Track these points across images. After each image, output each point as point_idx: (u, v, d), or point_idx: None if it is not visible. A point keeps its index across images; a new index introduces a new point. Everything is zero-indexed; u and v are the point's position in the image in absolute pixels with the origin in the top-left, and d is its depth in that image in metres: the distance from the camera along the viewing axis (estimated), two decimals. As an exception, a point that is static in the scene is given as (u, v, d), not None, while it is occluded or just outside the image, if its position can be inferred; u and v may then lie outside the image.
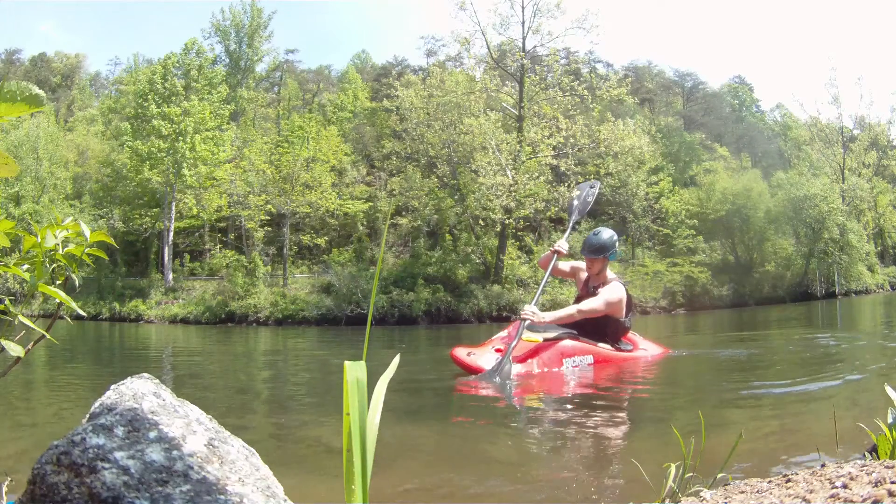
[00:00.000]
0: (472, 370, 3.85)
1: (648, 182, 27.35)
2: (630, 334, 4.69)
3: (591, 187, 5.13)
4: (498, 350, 4.01)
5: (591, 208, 5.24)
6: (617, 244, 4.41)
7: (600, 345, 4.23)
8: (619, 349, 4.35)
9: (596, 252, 4.32)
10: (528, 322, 4.02)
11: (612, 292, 4.22)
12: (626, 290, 4.35)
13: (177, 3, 60.98)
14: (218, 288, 21.55)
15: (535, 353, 3.95)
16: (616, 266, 24.73)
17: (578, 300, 4.46)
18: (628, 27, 73.09)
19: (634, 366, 4.26)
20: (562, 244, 4.58)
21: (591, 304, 4.15)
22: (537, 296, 4.46)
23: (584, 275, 4.56)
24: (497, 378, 3.62)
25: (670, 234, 27.00)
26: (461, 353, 4.03)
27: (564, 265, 4.77)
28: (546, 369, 3.90)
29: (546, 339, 4.04)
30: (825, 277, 27.10)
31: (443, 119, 22.03)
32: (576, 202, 5.04)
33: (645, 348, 4.62)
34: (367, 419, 0.75)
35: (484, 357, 3.94)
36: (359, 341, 9.08)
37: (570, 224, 5.03)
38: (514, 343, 3.86)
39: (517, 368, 3.83)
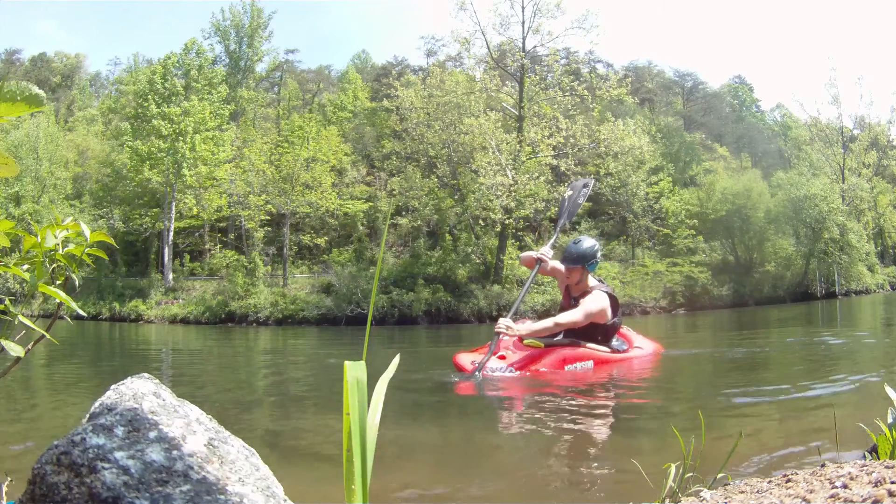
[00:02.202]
0: None
1: (648, 182, 27.35)
2: (624, 330, 4.63)
3: (585, 186, 4.97)
4: (501, 357, 3.98)
5: (592, 208, 5.19)
6: (598, 254, 4.29)
7: (599, 347, 4.19)
8: (614, 350, 4.30)
9: (574, 262, 4.21)
10: (501, 336, 3.97)
11: (592, 304, 4.11)
12: (611, 294, 4.24)
13: (177, 3, 61.11)
14: (218, 288, 21.56)
15: (537, 358, 3.92)
16: (616, 266, 24.82)
17: (561, 310, 4.41)
18: (628, 27, 73.16)
19: (633, 366, 4.25)
20: (546, 251, 4.47)
21: (570, 318, 4.05)
22: (514, 308, 4.35)
23: (564, 282, 4.47)
24: (473, 381, 3.62)
25: (670, 234, 27.00)
26: (465, 361, 3.99)
27: (545, 264, 4.72)
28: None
29: (548, 345, 4.01)
30: (825, 277, 27.09)
31: (443, 119, 22.03)
32: (566, 203, 4.95)
33: (640, 346, 4.58)
34: (367, 419, 0.75)
35: (487, 365, 3.92)
36: (359, 341, 9.08)
37: (558, 228, 4.91)
38: (488, 358, 3.82)
39: (517, 374, 3.83)
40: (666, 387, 3.76)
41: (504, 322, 4.00)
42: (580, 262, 4.21)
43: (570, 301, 4.32)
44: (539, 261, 4.46)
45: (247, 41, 31.89)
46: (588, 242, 4.31)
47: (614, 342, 4.38)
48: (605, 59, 39.25)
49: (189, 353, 8.10)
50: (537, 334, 4.06)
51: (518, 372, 3.83)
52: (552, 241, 4.72)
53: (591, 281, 4.33)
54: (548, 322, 4.09)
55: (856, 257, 27.93)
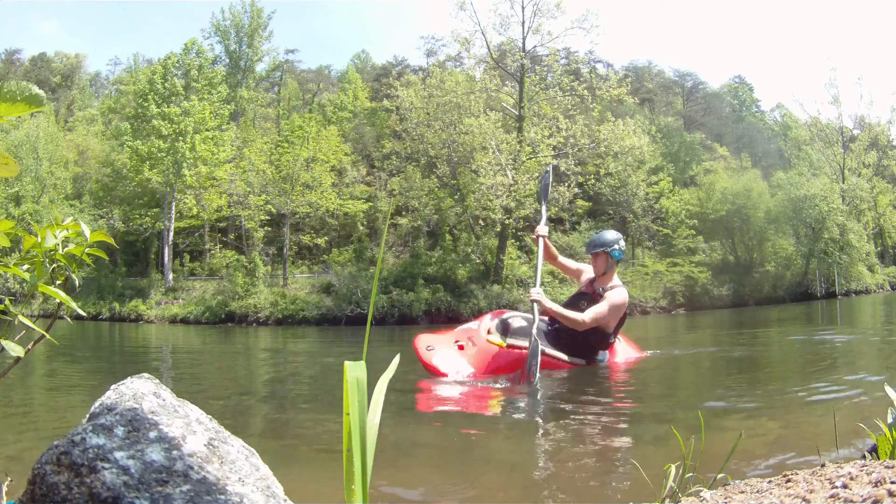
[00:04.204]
0: (424, 364, 3.82)
1: (648, 182, 27.36)
2: (617, 344, 4.51)
3: (547, 173, 5.01)
4: (460, 347, 3.93)
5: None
6: (620, 244, 4.30)
7: (559, 355, 4.03)
8: (591, 362, 4.18)
9: (595, 246, 4.27)
10: (537, 306, 3.92)
11: (617, 295, 4.12)
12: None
13: (177, 3, 61.06)
14: (218, 288, 21.57)
15: (495, 358, 3.82)
16: (616, 267, 24.79)
17: (579, 295, 4.35)
18: (628, 27, 73.16)
19: (594, 375, 4.08)
20: (541, 228, 4.46)
21: (598, 311, 4.00)
22: (538, 278, 4.28)
23: (588, 277, 4.44)
24: (530, 381, 3.53)
25: (670, 234, 27.01)
26: (421, 344, 3.96)
27: (571, 263, 4.67)
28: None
29: (510, 345, 3.88)
30: (825, 277, 27.09)
31: (443, 119, 22.04)
32: (541, 191, 4.97)
33: (617, 361, 4.42)
34: (367, 419, 0.75)
35: (441, 353, 3.87)
36: (359, 341, 9.08)
37: (543, 209, 4.88)
38: (534, 339, 3.73)
39: (469, 370, 3.78)
40: (666, 387, 3.76)
41: (537, 291, 3.98)
42: (601, 246, 4.24)
43: (596, 291, 4.26)
44: (539, 237, 4.44)
45: (247, 41, 31.90)
46: (611, 233, 4.39)
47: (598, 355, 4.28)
48: (605, 59, 39.32)
49: (189, 353, 8.10)
50: (564, 319, 3.98)
51: (472, 368, 3.78)
52: (543, 220, 4.64)
53: (617, 279, 4.33)
54: (577, 316, 3.97)
55: (856, 257, 27.94)
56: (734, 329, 10.03)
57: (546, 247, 4.45)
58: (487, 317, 4.27)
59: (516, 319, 4.07)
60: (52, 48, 64.51)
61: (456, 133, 21.68)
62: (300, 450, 2.29)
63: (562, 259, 4.62)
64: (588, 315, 4.00)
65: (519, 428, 2.68)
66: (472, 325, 4.20)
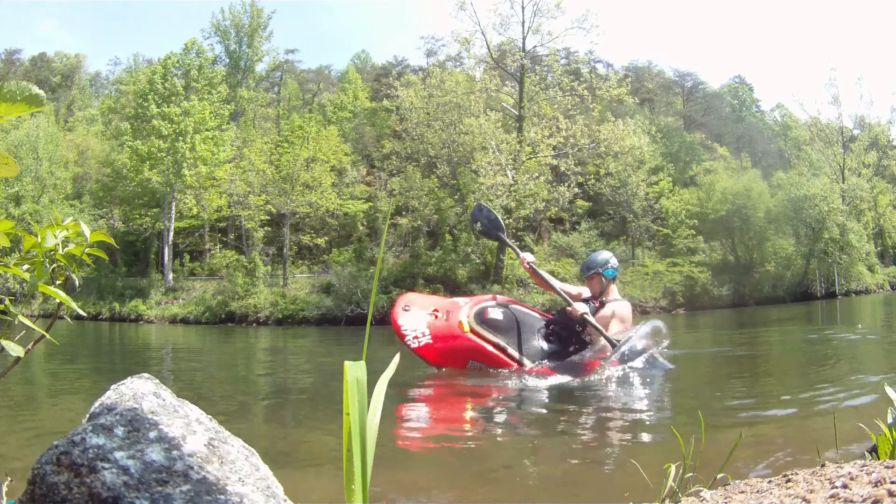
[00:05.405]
0: (392, 320, 3.87)
1: (648, 182, 27.34)
2: None
3: (478, 208, 4.89)
4: (435, 316, 3.96)
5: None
6: (612, 262, 4.31)
7: (531, 365, 3.95)
8: (542, 370, 4.09)
9: (588, 269, 4.31)
10: (589, 317, 3.96)
11: (623, 308, 4.18)
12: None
13: (177, 3, 61.13)
14: (218, 288, 21.57)
15: (454, 338, 3.84)
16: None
17: (584, 301, 4.35)
18: (628, 27, 73.15)
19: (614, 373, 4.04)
20: (525, 256, 4.42)
21: (614, 331, 4.08)
22: (565, 296, 4.23)
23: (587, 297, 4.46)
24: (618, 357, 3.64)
25: (670, 234, 26.99)
26: (401, 302, 3.99)
27: (571, 289, 4.61)
28: (447, 362, 3.85)
29: (473, 330, 3.87)
30: (825, 277, 27.07)
31: (443, 119, 22.04)
32: (487, 226, 4.77)
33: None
34: (367, 419, 0.75)
35: (412, 315, 3.91)
36: (359, 341, 9.08)
37: (506, 240, 4.77)
38: (615, 342, 3.81)
39: (427, 340, 3.79)
40: (665, 387, 3.76)
41: (582, 306, 4.01)
42: (592, 268, 4.28)
43: (600, 300, 4.31)
44: (530, 265, 4.41)
45: (247, 41, 31.90)
46: (602, 254, 4.39)
47: None
48: (605, 59, 39.28)
49: (189, 353, 8.10)
50: (594, 331, 3.99)
51: (430, 338, 3.81)
52: (519, 252, 4.54)
53: (616, 294, 4.35)
54: (607, 334, 4.02)
55: (856, 257, 27.91)
56: (734, 329, 10.03)
57: (538, 274, 4.40)
58: (486, 297, 4.28)
59: (495, 311, 4.06)
60: (52, 48, 64.65)
61: (456, 133, 21.68)
62: (300, 450, 2.29)
63: (558, 287, 4.55)
64: (612, 336, 4.06)
65: (519, 428, 2.68)
66: (463, 300, 4.20)
